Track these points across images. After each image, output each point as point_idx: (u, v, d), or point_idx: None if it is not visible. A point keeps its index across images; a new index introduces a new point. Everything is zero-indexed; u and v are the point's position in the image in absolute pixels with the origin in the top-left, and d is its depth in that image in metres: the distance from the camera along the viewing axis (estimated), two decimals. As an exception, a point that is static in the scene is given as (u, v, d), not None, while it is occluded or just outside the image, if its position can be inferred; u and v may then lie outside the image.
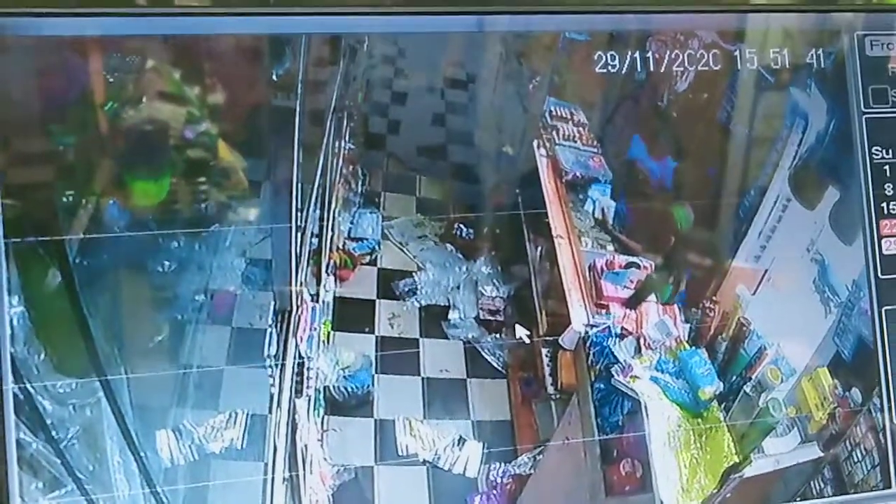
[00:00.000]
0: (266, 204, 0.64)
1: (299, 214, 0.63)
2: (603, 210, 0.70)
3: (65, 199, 0.60)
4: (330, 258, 0.64)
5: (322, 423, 0.63)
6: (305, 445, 0.62)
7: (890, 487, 0.71)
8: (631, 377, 0.68)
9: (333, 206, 0.64)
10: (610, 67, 0.69)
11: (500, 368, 0.67)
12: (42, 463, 0.58)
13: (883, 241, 0.72)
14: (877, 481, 0.71)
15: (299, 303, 0.63)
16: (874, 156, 0.73)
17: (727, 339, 0.70)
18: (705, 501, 0.68)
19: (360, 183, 0.65)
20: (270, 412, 0.62)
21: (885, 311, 0.72)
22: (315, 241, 0.64)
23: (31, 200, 0.59)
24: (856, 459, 0.71)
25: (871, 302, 0.72)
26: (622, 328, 0.68)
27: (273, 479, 0.61)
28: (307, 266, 0.64)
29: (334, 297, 0.64)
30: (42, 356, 0.59)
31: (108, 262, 0.61)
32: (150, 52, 0.61)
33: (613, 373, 0.68)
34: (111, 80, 0.61)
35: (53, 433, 0.59)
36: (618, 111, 0.70)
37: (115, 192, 0.61)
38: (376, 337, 0.65)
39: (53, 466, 0.59)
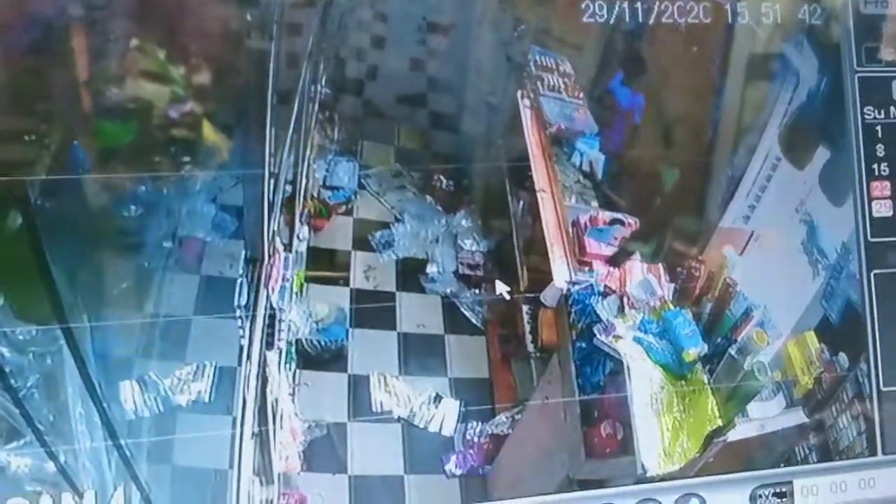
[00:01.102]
0: (238, 149, 0.61)
1: (272, 160, 0.61)
2: (591, 163, 0.68)
3: (26, 139, 0.57)
4: (304, 206, 0.62)
5: (294, 376, 0.61)
6: (276, 399, 0.60)
7: (875, 455, 0.69)
8: (613, 337, 0.66)
9: (308, 152, 0.62)
10: (598, 17, 0.67)
11: (478, 325, 0.65)
12: None
13: (873, 202, 0.71)
14: (862, 448, 0.69)
15: (271, 252, 0.61)
16: (866, 116, 0.71)
17: (713, 299, 0.68)
18: (688, 465, 0.66)
19: (336, 130, 0.63)
20: (240, 365, 0.60)
21: (874, 274, 0.70)
22: (289, 188, 0.62)
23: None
24: (841, 426, 0.70)
25: (859, 265, 0.70)
26: (605, 286, 0.67)
27: (242, 433, 0.59)
28: (280, 214, 0.61)
29: (308, 247, 0.62)
30: (1, 301, 0.56)
31: (72, 205, 0.58)
32: None
33: (595, 332, 0.66)
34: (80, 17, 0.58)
35: (12, 381, 0.56)
36: (604, 62, 0.68)
37: (79, 132, 0.58)
38: (351, 289, 0.63)
39: (12, 416, 0.56)
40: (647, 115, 0.69)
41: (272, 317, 0.61)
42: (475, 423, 0.64)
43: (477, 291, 0.65)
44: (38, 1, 0.58)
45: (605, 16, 0.67)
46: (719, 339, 0.68)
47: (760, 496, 0.67)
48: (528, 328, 0.66)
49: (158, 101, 0.59)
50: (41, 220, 0.57)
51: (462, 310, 0.65)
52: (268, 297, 0.61)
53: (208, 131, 0.60)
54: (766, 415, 0.69)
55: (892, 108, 0.71)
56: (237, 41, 0.62)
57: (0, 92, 0.58)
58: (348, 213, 0.64)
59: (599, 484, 0.65)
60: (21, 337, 0.57)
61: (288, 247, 0.62)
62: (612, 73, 0.68)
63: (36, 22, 0.58)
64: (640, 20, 0.68)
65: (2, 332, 0.56)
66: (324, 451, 0.61)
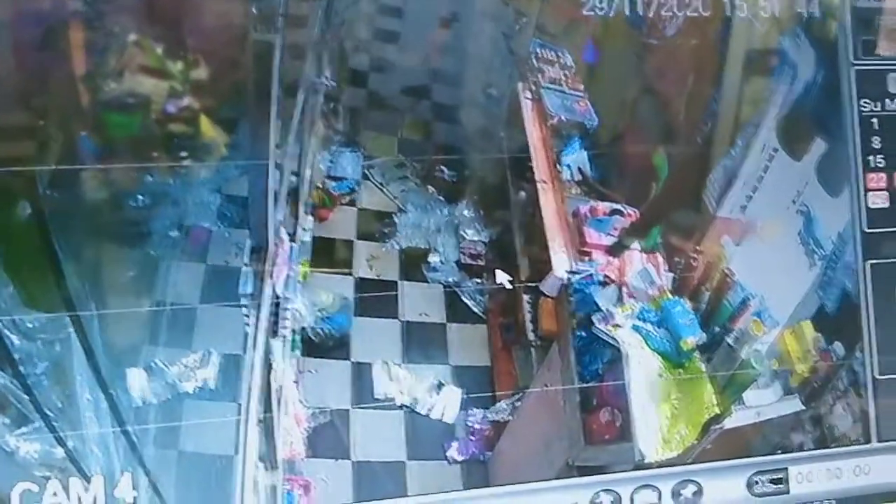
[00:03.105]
0: (244, 139, 0.62)
1: (277, 151, 0.62)
2: (580, 168, 0.68)
3: (34, 130, 0.58)
4: (308, 197, 0.63)
5: (298, 364, 0.62)
6: (280, 387, 0.61)
7: (870, 442, 0.70)
8: (612, 325, 0.67)
9: (313, 143, 0.63)
10: (598, 10, 0.67)
11: (480, 313, 0.66)
12: (9, 398, 0.57)
13: (869, 194, 0.71)
14: (857, 435, 0.70)
15: (276, 241, 0.62)
16: (862, 108, 0.72)
17: (710, 289, 0.69)
18: (685, 452, 0.67)
19: (340, 121, 0.64)
20: (245, 352, 0.61)
21: (870, 264, 0.71)
22: (293, 178, 0.62)
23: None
24: (837, 413, 0.70)
25: (855, 255, 0.71)
26: (605, 276, 0.67)
27: (247, 420, 0.60)
28: (285, 204, 0.62)
29: (312, 237, 0.63)
30: (10, 289, 0.57)
31: (79, 195, 0.59)
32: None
33: (595, 320, 0.67)
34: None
35: (21, 368, 0.57)
36: (605, 55, 0.69)
37: (87, 123, 0.59)
38: (355, 278, 0.64)
39: (21, 402, 0.57)
40: (644, 106, 0.70)
41: (277, 305, 0.61)
42: (476, 410, 0.65)
43: (478, 281, 0.66)
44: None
45: (605, 8, 0.67)
46: (717, 328, 0.69)
47: (757, 482, 0.68)
48: (528, 317, 0.66)
49: (161, 94, 0.60)
50: (49, 210, 0.58)
51: (464, 299, 0.66)
52: (273, 285, 0.62)
53: (213, 123, 0.61)
54: (763, 403, 0.69)
55: (888, 101, 0.72)
56: (242, 33, 0.62)
57: (7, 83, 0.58)
58: (352, 203, 0.65)
59: (598, 470, 0.65)
60: (30, 324, 0.57)
61: (292, 236, 0.62)
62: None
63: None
64: (640, 12, 0.68)
65: (11, 320, 0.57)
66: (327, 438, 0.62)
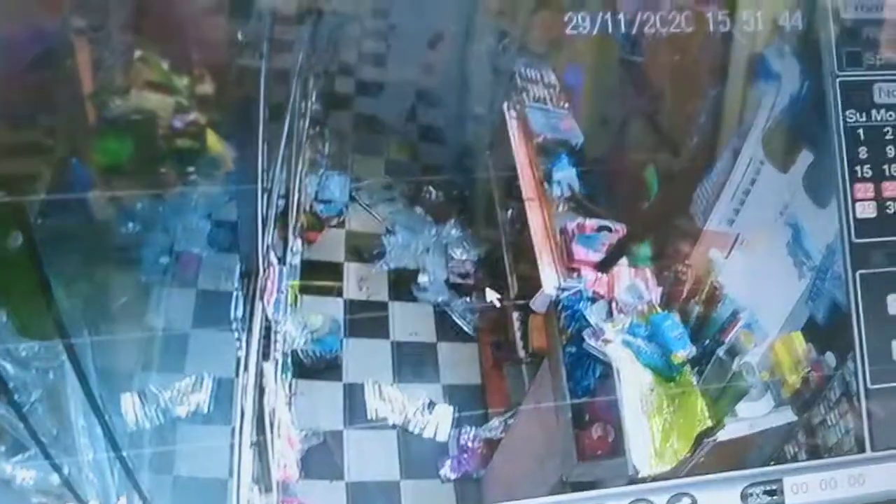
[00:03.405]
0: (232, 165, 0.62)
1: (265, 175, 0.62)
2: (570, 185, 0.69)
3: (24, 157, 0.59)
4: (297, 220, 0.63)
5: (290, 386, 0.62)
6: (273, 409, 0.61)
7: (864, 451, 0.70)
8: (603, 341, 0.67)
9: (300, 167, 0.64)
10: (581, 28, 0.68)
11: (470, 332, 0.66)
12: (4, 427, 0.57)
13: (857, 204, 0.72)
14: (851, 445, 0.70)
15: (266, 265, 0.62)
16: (848, 119, 0.72)
17: (700, 302, 0.69)
18: (678, 466, 0.67)
19: (327, 144, 0.64)
20: (237, 376, 0.61)
21: (859, 275, 0.71)
22: (282, 202, 0.63)
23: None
24: (830, 424, 0.70)
25: (844, 266, 0.71)
26: (594, 292, 0.68)
27: (241, 443, 0.61)
28: (273, 228, 0.63)
29: (302, 260, 0.63)
30: (3, 318, 0.58)
31: (71, 222, 0.60)
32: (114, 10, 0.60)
33: (585, 336, 0.67)
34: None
35: (16, 396, 0.58)
36: (589, 73, 0.69)
37: (77, 149, 0.59)
38: (345, 300, 0.64)
39: (16, 430, 0.58)
40: (630, 122, 0.70)
41: (268, 328, 0.62)
42: (469, 428, 0.65)
43: (468, 299, 0.66)
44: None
45: (588, 27, 0.68)
46: (707, 342, 0.69)
47: (751, 494, 0.68)
48: (518, 334, 0.67)
49: (151, 120, 0.61)
50: (41, 238, 0.59)
51: (454, 318, 0.66)
52: (263, 309, 0.62)
53: (205, 146, 0.62)
54: (755, 414, 0.69)
55: (873, 111, 0.72)
56: (228, 59, 0.63)
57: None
58: (340, 225, 0.65)
59: (592, 485, 0.66)
60: (24, 353, 0.58)
61: (282, 260, 0.63)
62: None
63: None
64: (623, 30, 0.69)
65: (5, 349, 0.57)
66: (321, 459, 0.62)
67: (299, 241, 0.63)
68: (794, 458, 0.70)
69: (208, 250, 0.62)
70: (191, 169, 0.61)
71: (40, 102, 0.59)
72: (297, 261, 0.63)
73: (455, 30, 0.67)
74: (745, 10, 0.71)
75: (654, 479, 0.66)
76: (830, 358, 0.71)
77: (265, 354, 0.62)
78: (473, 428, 0.65)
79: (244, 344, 0.61)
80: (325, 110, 0.65)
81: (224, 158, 0.62)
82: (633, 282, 0.68)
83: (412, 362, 0.65)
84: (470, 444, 0.65)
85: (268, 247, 0.62)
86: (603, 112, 0.69)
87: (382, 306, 0.65)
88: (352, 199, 0.65)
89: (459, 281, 0.66)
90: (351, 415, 0.63)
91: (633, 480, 0.66)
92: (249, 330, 0.62)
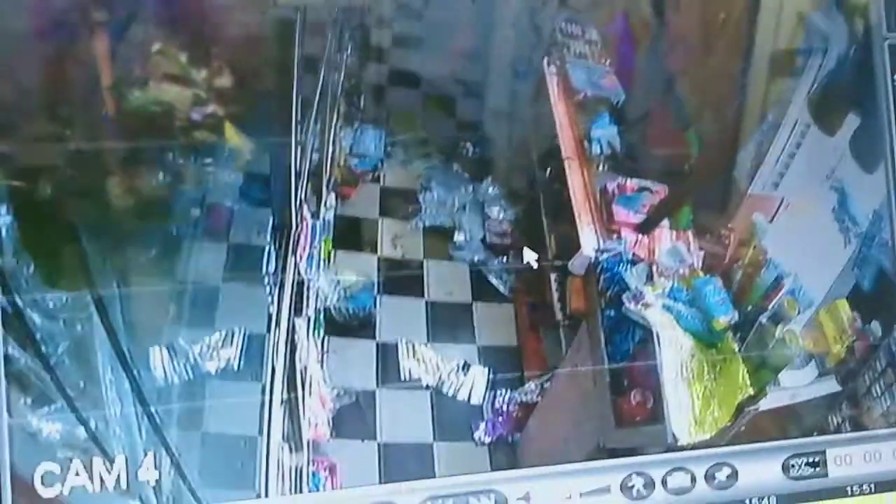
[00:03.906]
0: (265, 117, 0.61)
1: (299, 128, 0.61)
2: (610, 144, 0.67)
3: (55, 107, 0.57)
4: (331, 174, 0.62)
5: (322, 344, 0.61)
6: (305, 367, 0.60)
7: (910, 424, 0.69)
8: (643, 305, 0.66)
9: (335, 120, 0.62)
10: (623, -18, 0.66)
11: (506, 293, 0.65)
12: (31, 378, 0.56)
13: (906, 169, 0.70)
14: (897, 417, 0.68)
15: (299, 220, 0.61)
16: (896, 82, 0.70)
17: (743, 267, 0.68)
18: (718, 434, 0.65)
19: (362, 97, 0.63)
20: (269, 332, 0.60)
21: (907, 242, 0.69)
22: (316, 156, 0.62)
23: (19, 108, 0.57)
24: (875, 395, 0.69)
25: (892, 232, 0.69)
26: (634, 254, 0.66)
27: (271, 400, 0.59)
28: (307, 182, 0.61)
29: (335, 215, 0.62)
30: (31, 268, 0.57)
31: (100, 173, 0.58)
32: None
33: (624, 300, 0.66)
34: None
35: (43, 348, 0.56)
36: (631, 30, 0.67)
37: (107, 100, 0.58)
38: (378, 257, 0.63)
39: (43, 382, 0.56)
40: (675, 84, 0.68)
41: (300, 284, 0.61)
42: (504, 391, 0.64)
43: (504, 259, 0.65)
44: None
45: (631, -19, 0.66)
46: (749, 308, 0.67)
47: (793, 466, 0.66)
48: (556, 296, 0.65)
49: (186, 72, 0.60)
50: (70, 188, 0.57)
51: (490, 278, 0.65)
52: (296, 264, 0.61)
53: (236, 102, 0.60)
54: (798, 384, 0.68)
55: (922, 75, 0.70)
56: (263, 10, 0.61)
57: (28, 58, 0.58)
58: (375, 180, 0.64)
59: (630, 452, 0.64)
60: (51, 303, 0.57)
61: (315, 214, 0.62)
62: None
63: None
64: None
65: (32, 299, 0.56)
66: (353, 419, 0.61)
67: (333, 196, 0.62)
68: (838, 430, 0.68)
69: (240, 203, 0.60)
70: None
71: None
72: (330, 216, 0.62)
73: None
74: (792, -31, 0.69)
75: (694, 447, 0.65)
76: (876, 327, 0.69)
77: (297, 310, 0.60)
78: (509, 391, 0.63)
79: (276, 299, 0.60)
80: (361, 63, 0.63)
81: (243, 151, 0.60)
82: (674, 245, 0.67)
83: (447, 322, 0.63)
84: (505, 408, 0.63)
85: (301, 201, 0.61)
86: (645, 70, 0.67)
87: (417, 264, 0.63)
88: (387, 154, 0.63)
89: (496, 240, 0.65)
90: (384, 374, 0.62)
91: (672, 448, 0.65)
92: (281, 285, 0.60)
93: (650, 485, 0.63)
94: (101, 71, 0.58)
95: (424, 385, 0.62)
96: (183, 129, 0.60)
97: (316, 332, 0.61)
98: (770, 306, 0.68)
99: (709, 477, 0.65)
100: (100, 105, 0.58)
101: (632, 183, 0.67)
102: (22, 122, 0.56)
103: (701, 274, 0.67)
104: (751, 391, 0.67)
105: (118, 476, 0.56)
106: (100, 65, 0.58)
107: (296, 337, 0.60)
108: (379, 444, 0.61)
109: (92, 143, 0.58)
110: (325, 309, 0.61)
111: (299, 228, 0.61)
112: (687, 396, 0.65)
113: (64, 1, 0.57)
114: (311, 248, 0.61)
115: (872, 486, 0.67)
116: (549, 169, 0.66)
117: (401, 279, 0.63)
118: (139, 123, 0.59)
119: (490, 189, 0.65)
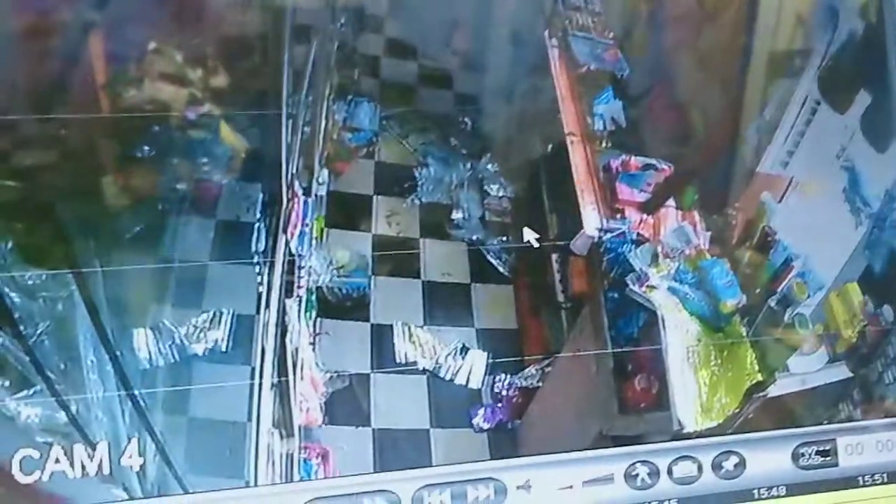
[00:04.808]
0: (254, 88, 0.59)
1: (290, 100, 0.59)
2: (614, 120, 0.65)
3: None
4: (323, 149, 0.60)
5: (314, 325, 0.59)
6: (296, 349, 0.58)
7: (923, 412, 0.67)
8: (647, 287, 0.63)
9: (328, 92, 0.60)
10: (627, -46, 0.64)
11: (506, 274, 0.63)
12: (9, 360, 0.54)
13: (919, 148, 0.68)
14: (910, 405, 0.66)
15: (290, 196, 0.59)
16: (908, 59, 0.68)
17: (751, 248, 0.65)
18: (726, 421, 0.64)
19: (356, 69, 0.61)
20: (258, 313, 0.58)
21: (920, 223, 0.67)
22: (307, 129, 0.59)
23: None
24: (887, 381, 0.67)
25: (905, 214, 0.67)
26: (638, 234, 0.64)
27: (261, 384, 0.57)
28: (298, 157, 0.59)
29: (328, 191, 0.60)
30: (10, 245, 0.54)
31: (82, 145, 0.56)
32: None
33: (628, 282, 0.64)
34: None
35: (21, 328, 0.54)
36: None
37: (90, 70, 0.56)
38: (373, 236, 0.60)
39: (21, 364, 0.54)
40: (680, 59, 0.66)
41: (291, 263, 0.58)
42: (503, 376, 0.62)
43: (504, 239, 0.63)
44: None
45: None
46: (758, 290, 0.66)
47: (803, 454, 0.64)
48: (557, 277, 0.63)
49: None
50: (50, 160, 0.55)
51: (489, 258, 0.63)
52: (287, 242, 0.59)
53: (223, 72, 0.58)
54: (808, 370, 0.66)
55: (936, 51, 0.68)
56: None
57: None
58: (370, 155, 0.61)
59: (634, 440, 0.62)
60: (30, 282, 0.55)
61: (307, 191, 0.59)
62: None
63: None
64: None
65: (10, 277, 0.54)
66: (346, 404, 0.59)
67: (326, 172, 0.60)
68: (849, 418, 0.66)
69: (228, 179, 0.58)
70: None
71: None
72: (323, 192, 0.59)
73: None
74: (801, -58, 0.67)
75: (700, 434, 0.63)
76: (888, 311, 0.67)
77: (288, 291, 0.58)
78: (508, 375, 0.61)
79: (266, 279, 0.58)
80: (355, 33, 0.61)
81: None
82: (680, 225, 0.65)
83: (444, 304, 0.61)
84: (505, 393, 0.61)
85: (292, 176, 0.59)
86: (650, 43, 0.65)
87: (413, 243, 0.61)
88: (382, 128, 0.61)
89: (495, 219, 0.63)
90: (378, 357, 0.59)
91: (678, 436, 0.63)
92: (271, 264, 0.58)
93: (655, 473, 0.61)
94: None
95: (421, 369, 0.60)
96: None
97: (308, 313, 0.59)
98: (779, 289, 0.66)
99: (716, 466, 0.63)
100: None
101: (636, 160, 0.65)
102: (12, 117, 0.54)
103: (708, 255, 0.65)
104: (759, 377, 0.65)
105: (100, 462, 0.54)
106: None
107: (286, 318, 0.58)
108: (373, 431, 0.59)
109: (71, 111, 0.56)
110: (317, 289, 0.59)
111: (290, 205, 0.59)
112: (693, 382, 0.64)
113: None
114: (302, 225, 0.59)
115: (885, 476, 0.65)
116: (550, 145, 0.64)
117: (396, 258, 0.61)
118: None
119: (489, 165, 0.63)
